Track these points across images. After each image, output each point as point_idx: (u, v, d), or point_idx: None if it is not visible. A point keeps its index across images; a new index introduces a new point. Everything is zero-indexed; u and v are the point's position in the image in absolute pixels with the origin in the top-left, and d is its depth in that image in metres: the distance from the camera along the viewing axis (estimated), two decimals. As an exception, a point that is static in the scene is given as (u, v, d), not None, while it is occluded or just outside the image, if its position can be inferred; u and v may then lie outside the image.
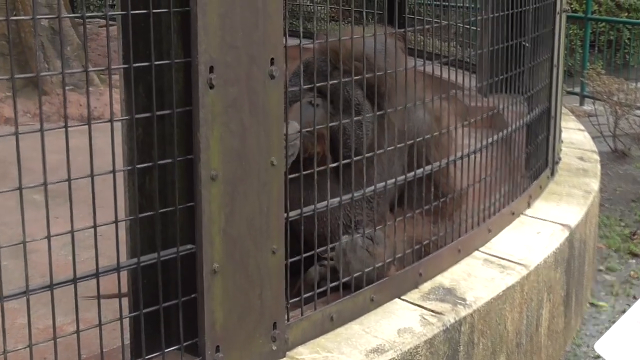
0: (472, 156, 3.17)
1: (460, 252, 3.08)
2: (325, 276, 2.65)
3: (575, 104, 9.71)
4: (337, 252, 2.64)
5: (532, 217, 3.65)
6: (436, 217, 2.99)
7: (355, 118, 2.70)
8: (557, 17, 4.09)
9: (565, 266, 3.55)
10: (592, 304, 4.29)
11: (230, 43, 1.99)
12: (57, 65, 6.31)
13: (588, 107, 9.21)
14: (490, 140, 3.35)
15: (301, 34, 2.41)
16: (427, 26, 2.94)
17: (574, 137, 5.26)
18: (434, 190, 2.92)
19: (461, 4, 3.23)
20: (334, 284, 2.56)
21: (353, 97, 2.81)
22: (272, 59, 2.08)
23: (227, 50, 1.98)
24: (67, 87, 6.38)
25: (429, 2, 7.73)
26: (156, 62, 1.90)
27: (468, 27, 3.25)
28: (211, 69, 1.95)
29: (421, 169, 2.86)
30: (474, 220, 3.19)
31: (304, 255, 2.46)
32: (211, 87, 1.95)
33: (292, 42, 2.31)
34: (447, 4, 6.36)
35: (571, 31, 10.90)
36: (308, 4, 8.15)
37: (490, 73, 3.43)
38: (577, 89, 10.07)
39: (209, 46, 1.94)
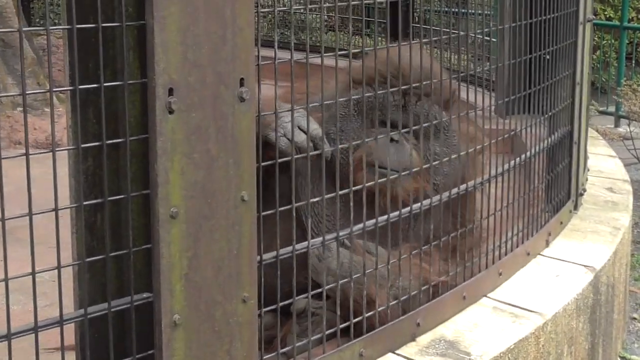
0: (485, 186, 3.20)
1: (465, 298, 3.08)
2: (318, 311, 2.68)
3: (610, 125, 9.72)
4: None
5: (550, 257, 3.65)
6: (452, 253, 3.03)
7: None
8: (580, 27, 4.13)
9: (589, 314, 3.55)
10: (622, 358, 4.29)
11: (193, 61, 1.99)
12: (6, 82, 6.32)
13: (623, 129, 9.23)
14: (505, 167, 3.38)
15: (292, 47, 2.41)
16: (436, 37, 2.99)
17: (603, 164, 5.29)
18: (452, 220, 2.98)
19: (475, 11, 3.28)
20: (329, 331, 2.56)
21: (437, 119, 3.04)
22: (242, 79, 2.09)
23: (190, 70, 1.99)
24: (18, 109, 6.39)
25: (439, 9, 7.78)
26: (106, 84, 1.91)
27: (483, 37, 3.29)
28: (170, 91, 1.95)
29: (440, 195, 2.97)
30: (482, 261, 3.19)
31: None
32: (171, 112, 1.95)
33: (285, 55, 2.34)
34: (459, 10, 6.40)
35: (605, 42, 10.94)
36: (301, 11, 8.20)
37: (508, 90, 3.47)
38: (612, 109, 10.10)
39: (168, 65, 1.95)
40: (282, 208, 2.38)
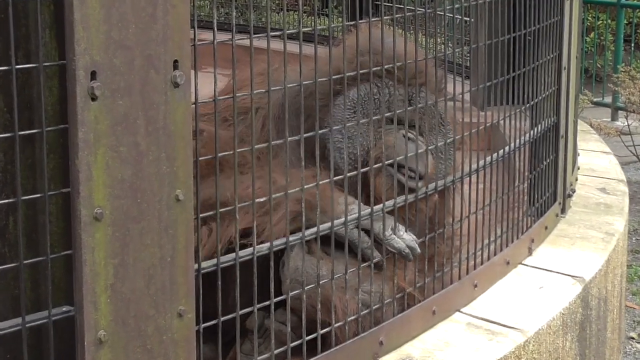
0: (458, 184, 3.29)
1: (435, 313, 3.14)
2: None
3: (606, 119, 9.79)
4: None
5: (533, 267, 3.72)
6: (422, 262, 3.09)
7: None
8: (567, 2, 4.22)
9: (578, 332, 3.61)
10: (618, 383, 4.37)
11: (118, 41, 2.03)
12: None
13: (621, 122, 9.32)
14: (481, 163, 3.45)
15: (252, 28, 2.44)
16: (399, 14, 3.06)
17: (596, 162, 5.36)
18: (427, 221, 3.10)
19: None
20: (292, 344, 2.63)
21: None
22: (176, 61, 2.13)
23: (115, 51, 2.03)
24: None
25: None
26: (19, 67, 1.94)
27: (454, 15, 3.37)
28: (93, 75, 1.99)
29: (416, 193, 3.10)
30: (454, 271, 3.26)
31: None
32: (93, 98, 1.99)
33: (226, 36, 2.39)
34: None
35: (600, 22, 11.08)
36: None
37: (485, 76, 3.54)
38: (609, 99, 10.19)
39: (90, 45, 1.98)
40: (223, 210, 2.43)
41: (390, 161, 3.00)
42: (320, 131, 2.68)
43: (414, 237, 2.94)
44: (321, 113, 2.85)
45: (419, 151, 3.04)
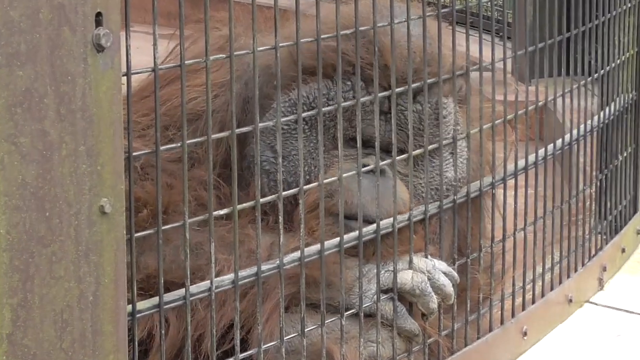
0: (496, 191, 3.26)
1: (469, 372, 3.18)
2: None
3: None
4: None
5: (606, 306, 3.71)
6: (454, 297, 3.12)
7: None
8: None
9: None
10: None
11: (16, -13, 2.05)
12: None
13: None
14: (529, 161, 3.43)
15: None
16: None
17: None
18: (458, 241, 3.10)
19: None
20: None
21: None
22: (99, 14, 2.10)
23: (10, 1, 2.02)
24: None
25: None
26: None
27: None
28: (-20, 34, 2.00)
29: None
30: (494, 313, 3.23)
31: None
32: (-20, 67, 2.00)
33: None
34: None
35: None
36: None
37: (532, 37, 3.51)
38: None
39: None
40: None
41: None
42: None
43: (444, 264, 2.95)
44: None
45: (394, 187, 2.98)
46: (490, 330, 3.20)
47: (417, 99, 3.03)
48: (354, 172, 2.82)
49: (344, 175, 2.76)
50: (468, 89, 3.11)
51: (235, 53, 2.48)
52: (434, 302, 2.84)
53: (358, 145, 2.78)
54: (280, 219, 2.61)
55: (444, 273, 2.88)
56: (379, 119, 2.94)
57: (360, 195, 2.82)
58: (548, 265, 3.45)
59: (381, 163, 2.89)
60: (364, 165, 2.86)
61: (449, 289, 2.85)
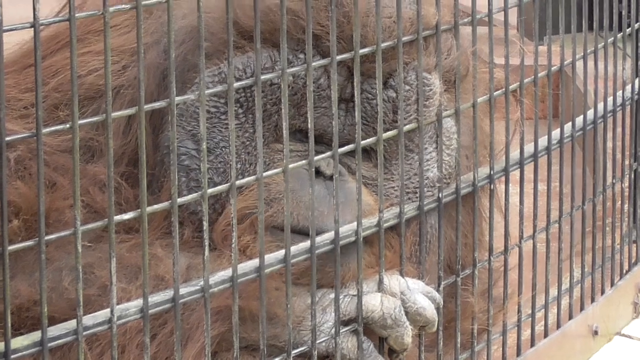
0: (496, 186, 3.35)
1: None
2: None
3: None
4: None
5: (643, 340, 3.78)
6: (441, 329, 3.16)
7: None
8: None
9: None
10: None
11: None
12: None
13: None
14: (540, 144, 3.53)
15: None
16: None
17: None
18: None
19: None
20: None
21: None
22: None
23: None
24: None
25: None
26: None
27: None
28: None
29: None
30: (492, 350, 3.33)
31: None
32: None
33: None
34: None
35: None
36: None
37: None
38: None
39: None
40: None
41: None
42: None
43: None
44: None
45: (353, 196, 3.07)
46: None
47: (389, 83, 3.14)
48: (303, 172, 2.93)
49: (290, 175, 2.86)
50: (457, 49, 3.23)
51: (143, 2, 2.58)
52: (408, 334, 2.95)
53: (310, 139, 2.88)
54: (205, 225, 2.70)
55: (422, 294, 3.00)
56: (339, 109, 3.04)
57: (312, 202, 2.92)
58: (566, 286, 3.57)
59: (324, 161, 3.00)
60: (317, 168, 2.96)
61: (431, 311, 2.93)
